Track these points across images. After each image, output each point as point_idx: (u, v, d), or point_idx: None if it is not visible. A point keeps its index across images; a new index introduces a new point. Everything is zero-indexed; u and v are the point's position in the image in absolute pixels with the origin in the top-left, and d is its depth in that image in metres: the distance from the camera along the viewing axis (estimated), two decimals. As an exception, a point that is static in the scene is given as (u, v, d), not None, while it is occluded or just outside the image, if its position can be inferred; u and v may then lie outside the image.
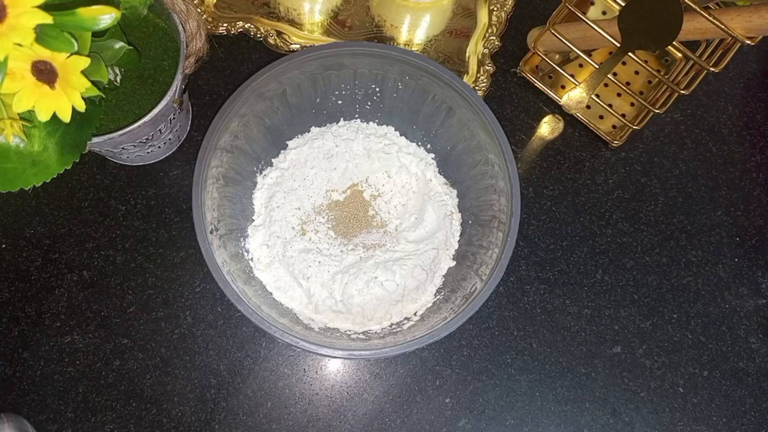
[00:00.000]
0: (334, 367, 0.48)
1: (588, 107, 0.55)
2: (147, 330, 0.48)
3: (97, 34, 0.34)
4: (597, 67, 0.48)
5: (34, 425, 0.45)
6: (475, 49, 0.55)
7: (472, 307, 0.38)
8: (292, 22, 0.54)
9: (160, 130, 0.44)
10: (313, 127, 0.50)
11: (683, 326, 0.51)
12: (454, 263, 0.47)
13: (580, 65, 0.57)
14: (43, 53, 0.27)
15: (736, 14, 0.42)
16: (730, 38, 0.43)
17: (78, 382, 0.46)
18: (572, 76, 0.52)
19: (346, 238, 0.48)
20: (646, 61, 0.54)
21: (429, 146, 0.50)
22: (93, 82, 0.31)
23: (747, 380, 0.50)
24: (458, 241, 0.48)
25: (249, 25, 0.54)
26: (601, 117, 0.55)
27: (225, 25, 0.54)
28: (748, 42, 0.42)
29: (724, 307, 0.52)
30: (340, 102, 0.49)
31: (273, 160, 0.49)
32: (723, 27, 0.42)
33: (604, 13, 0.57)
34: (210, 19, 0.54)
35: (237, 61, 0.54)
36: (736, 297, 0.52)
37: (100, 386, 0.46)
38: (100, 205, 0.50)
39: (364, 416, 0.47)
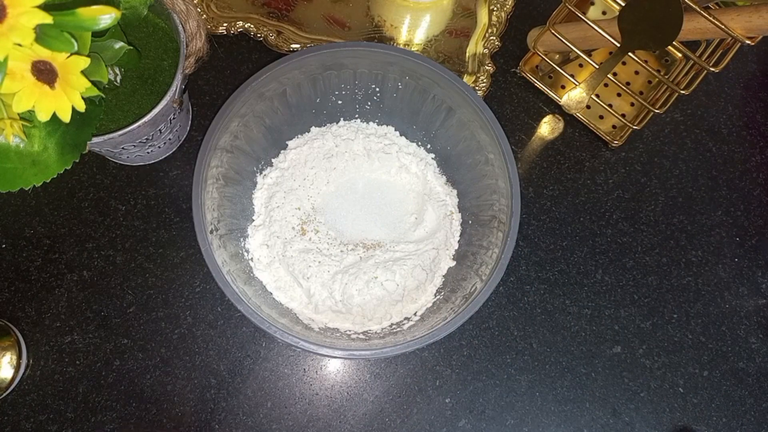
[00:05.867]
0: (334, 367, 0.48)
1: (588, 107, 0.55)
2: (147, 330, 0.48)
3: (97, 34, 0.34)
4: (597, 67, 0.48)
5: (34, 425, 0.45)
6: (475, 49, 0.55)
7: (472, 307, 0.38)
8: (293, 22, 0.54)
9: (160, 130, 0.44)
10: (313, 127, 0.50)
11: (683, 326, 0.51)
12: (454, 263, 0.47)
13: (580, 65, 0.57)
14: (43, 53, 0.27)
15: (736, 14, 0.42)
16: (730, 38, 0.43)
17: (78, 382, 0.46)
18: (572, 76, 0.52)
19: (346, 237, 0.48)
20: (646, 61, 0.54)
21: (429, 146, 0.50)
22: (93, 82, 0.31)
23: (747, 380, 0.50)
24: (458, 241, 0.48)
25: (249, 25, 0.54)
26: (601, 117, 0.55)
27: (225, 25, 0.54)
28: (748, 42, 0.42)
29: (724, 307, 0.52)
30: (340, 102, 0.49)
31: (273, 160, 0.49)
32: (723, 27, 0.42)
33: (604, 13, 0.57)
34: (210, 19, 0.54)
35: (237, 61, 0.54)
36: (736, 297, 0.52)
37: (100, 386, 0.46)
38: (100, 205, 0.50)
39: (364, 416, 0.47)
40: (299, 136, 0.50)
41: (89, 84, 0.30)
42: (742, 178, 0.55)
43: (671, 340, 0.50)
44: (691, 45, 0.53)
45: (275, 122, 0.47)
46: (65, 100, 0.29)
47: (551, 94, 0.54)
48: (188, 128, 0.52)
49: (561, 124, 0.55)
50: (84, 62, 0.29)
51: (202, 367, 0.47)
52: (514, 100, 0.55)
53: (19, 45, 0.26)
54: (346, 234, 0.48)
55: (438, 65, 0.42)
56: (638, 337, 0.50)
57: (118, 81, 0.41)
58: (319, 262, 0.46)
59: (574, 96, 0.48)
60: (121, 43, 0.35)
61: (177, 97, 0.42)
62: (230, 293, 0.38)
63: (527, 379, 0.49)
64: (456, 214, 0.49)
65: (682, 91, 0.48)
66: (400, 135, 0.51)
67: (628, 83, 0.56)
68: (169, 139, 0.48)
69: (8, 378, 0.45)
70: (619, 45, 0.46)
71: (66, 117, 0.30)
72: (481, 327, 0.50)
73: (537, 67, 0.56)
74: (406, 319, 0.45)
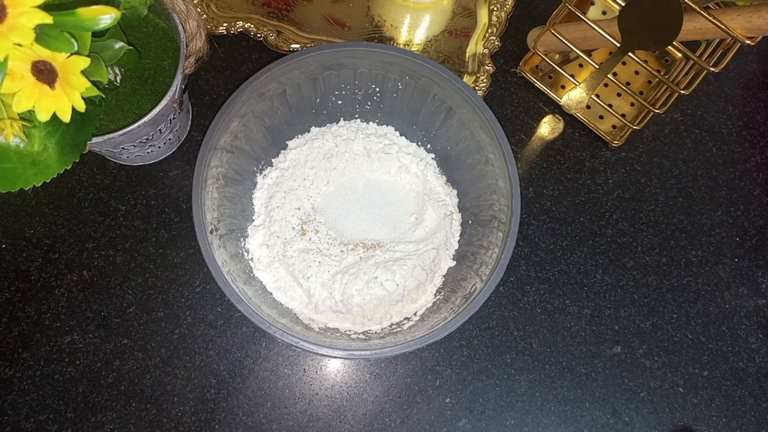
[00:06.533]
0: (334, 367, 0.48)
1: (588, 107, 0.55)
2: (147, 330, 0.48)
3: (97, 34, 0.34)
4: (597, 67, 0.48)
5: (34, 425, 0.45)
6: (475, 49, 0.55)
7: (472, 307, 0.38)
8: (293, 22, 0.54)
9: (160, 130, 0.44)
10: (313, 127, 0.50)
11: (683, 326, 0.51)
12: (454, 263, 0.47)
13: (580, 65, 0.57)
14: (43, 53, 0.27)
15: (736, 14, 0.42)
16: (730, 38, 0.43)
17: (78, 382, 0.46)
18: (572, 76, 0.52)
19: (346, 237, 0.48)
20: (646, 61, 0.54)
21: (429, 146, 0.50)
22: (93, 82, 0.31)
23: (747, 380, 0.50)
24: (458, 241, 0.48)
25: (249, 25, 0.54)
26: (601, 117, 0.55)
27: (225, 25, 0.54)
28: (748, 42, 0.42)
29: (724, 307, 0.52)
30: (340, 102, 0.49)
31: (273, 160, 0.49)
32: (723, 27, 0.42)
33: (604, 13, 0.57)
34: (210, 19, 0.54)
35: (237, 61, 0.54)
36: (736, 297, 0.52)
37: (100, 386, 0.46)
38: (100, 205, 0.50)
39: (364, 416, 0.47)
40: (299, 136, 0.50)
41: (89, 84, 0.30)
42: (742, 178, 0.55)
43: (671, 340, 0.50)
44: (691, 45, 0.53)
45: (275, 122, 0.47)
46: (65, 100, 0.29)
47: (551, 94, 0.54)
48: (188, 128, 0.52)
49: (561, 124, 0.55)
50: (84, 62, 0.29)
51: (202, 367, 0.47)
52: (514, 100, 0.55)
53: (19, 45, 0.26)
54: (346, 234, 0.48)
55: (438, 65, 0.42)
56: (638, 337, 0.50)
57: (118, 81, 0.41)
58: (319, 262, 0.46)
59: (574, 96, 0.48)
60: (121, 43, 0.36)
61: (177, 97, 0.42)
62: (230, 293, 0.38)
63: (527, 379, 0.49)
64: (456, 214, 0.49)
65: (682, 91, 0.48)
66: (400, 135, 0.51)
67: (628, 83, 0.56)
68: (169, 139, 0.48)
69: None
70: (619, 45, 0.46)
71: (66, 117, 0.30)
72: (481, 327, 0.50)
73: (537, 67, 0.56)
74: (406, 319, 0.45)
